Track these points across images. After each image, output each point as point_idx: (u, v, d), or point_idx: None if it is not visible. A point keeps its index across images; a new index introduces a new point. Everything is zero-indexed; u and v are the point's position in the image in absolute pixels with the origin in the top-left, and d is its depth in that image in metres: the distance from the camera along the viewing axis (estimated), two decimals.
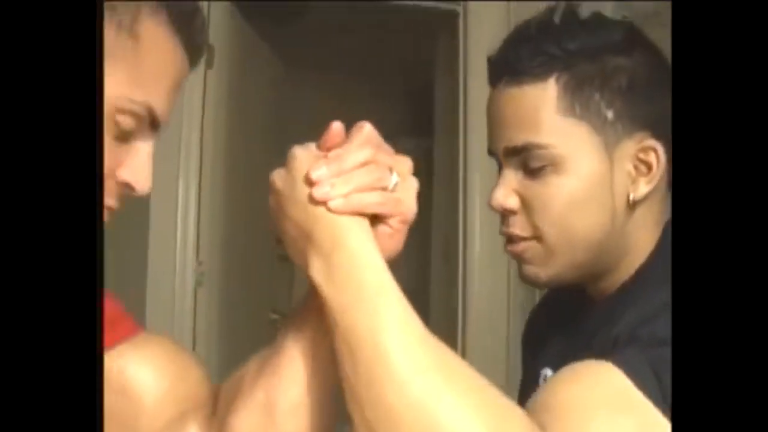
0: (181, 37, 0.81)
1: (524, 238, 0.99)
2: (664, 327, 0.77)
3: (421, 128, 4.38)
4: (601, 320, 0.93)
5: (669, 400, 0.72)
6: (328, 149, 0.80)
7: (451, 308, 3.11)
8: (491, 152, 1.02)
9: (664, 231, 0.98)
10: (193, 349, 3.02)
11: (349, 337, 0.74)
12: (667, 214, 0.99)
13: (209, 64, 3.09)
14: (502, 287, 2.92)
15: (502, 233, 1.02)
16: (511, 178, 0.99)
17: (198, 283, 3.05)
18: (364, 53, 4.63)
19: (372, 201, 0.78)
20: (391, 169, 0.80)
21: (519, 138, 0.96)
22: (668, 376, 0.72)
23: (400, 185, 0.80)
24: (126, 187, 0.83)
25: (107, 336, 0.88)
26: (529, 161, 0.96)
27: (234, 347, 3.15)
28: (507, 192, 0.99)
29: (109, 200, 0.82)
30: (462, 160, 3.03)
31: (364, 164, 0.79)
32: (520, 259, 1.01)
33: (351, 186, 0.77)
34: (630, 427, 0.73)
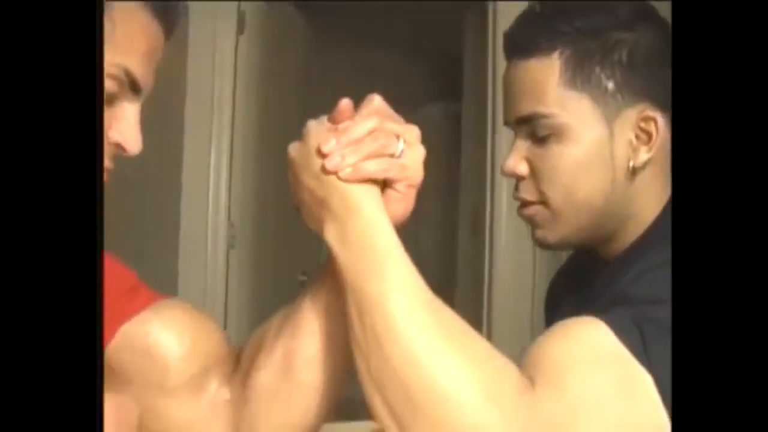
0: (152, 8, 0.85)
1: (533, 203, 1.05)
2: (652, 286, 0.82)
3: (449, 93, 4.40)
4: (607, 281, 0.98)
5: (653, 356, 0.77)
6: (338, 123, 0.86)
7: (478, 276, 3.15)
8: (506, 122, 1.09)
9: (670, 199, 1.02)
10: (225, 310, 3.09)
11: (359, 297, 0.80)
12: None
13: (240, 30, 3.13)
14: (528, 255, 2.96)
15: (514, 198, 1.08)
16: (522, 146, 1.05)
17: (230, 246, 3.11)
18: (393, 19, 4.64)
19: (378, 167, 0.84)
20: (398, 137, 0.85)
21: (526, 108, 1.03)
22: (653, 333, 0.77)
23: (406, 152, 0.86)
24: (117, 148, 0.87)
25: (130, 304, 0.96)
26: (536, 130, 1.02)
27: (265, 308, 3.21)
28: (517, 159, 1.05)
29: (105, 161, 0.86)
30: (490, 125, 3.05)
31: (371, 133, 0.84)
32: (530, 222, 1.07)
33: (359, 155, 0.83)
34: (612, 381, 0.77)
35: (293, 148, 0.87)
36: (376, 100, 0.87)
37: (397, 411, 0.78)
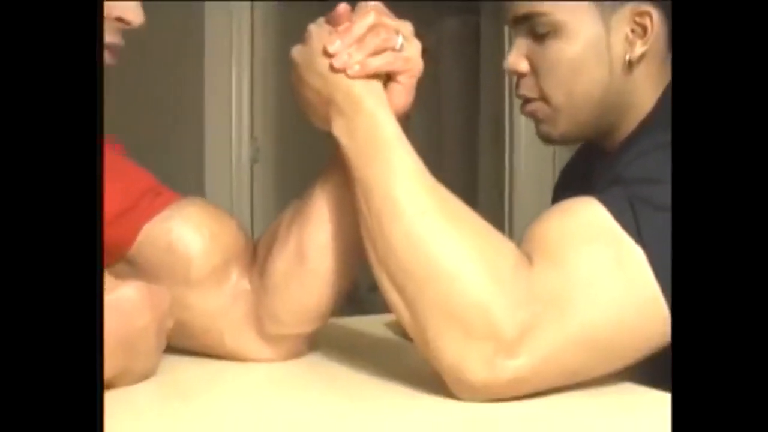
0: None
1: (534, 99, 1.09)
2: (646, 167, 0.87)
3: (466, 7, 4.38)
4: (607, 168, 1.02)
5: (645, 233, 0.81)
6: (337, 25, 0.90)
7: (499, 181, 3.20)
8: (506, 22, 1.13)
9: (666, 89, 1.06)
10: (252, 223, 3.15)
11: (365, 185, 0.86)
12: (669, 76, 1.07)
13: None
14: (548, 160, 3.00)
15: (517, 95, 1.12)
16: (522, 44, 1.08)
17: (254, 160, 3.16)
18: None
19: (384, 61, 0.89)
20: (396, 32, 0.90)
21: (524, 7, 1.06)
22: (646, 211, 0.82)
23: (405, 45, 0.91)
24: (120, 22, 0.89)
25: (151, 204, 1.01)
26: (534, 28, 1.06)
27: None
28: (518, 57, 1.09)
29: (111, 38, 0.89)
30: (508, 35, 3.06)
31: (371, 29, 0.89)
32: (533, 118, 1.11)
33: (364, 52, 0.88)
34: (607, 256, 0.82)
35: (297, 51, 0.92)
36: (371, 2, 0.91)
37: (403, 290, 0.84)
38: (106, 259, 0.99)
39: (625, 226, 0.83)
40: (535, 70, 1.08)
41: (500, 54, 3.11)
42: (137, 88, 2.60)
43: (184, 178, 2.99)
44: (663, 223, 0.79)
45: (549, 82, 1.07)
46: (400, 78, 0.91)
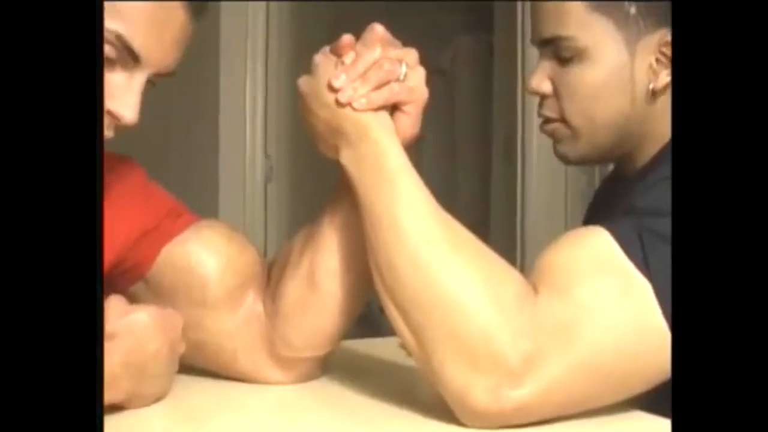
0: None
1: (554, 120, 1.10)
2: (656, 198, 0.87)
3: (481, 25, 4.39)
4: (625, 194, 1.02)
5: (652, 265, 0.82)
6: (341, 56, 0.92)
7: (511, 201, 3.19)
8: (532, 42, 1.14)
9: None
10: (265, 242, 3.16)
11: (372, 213, 0.88)
12: None
13: None
14: (560, 180, 3.00)
15: (538, 114, 1.13)
16: (546, 66, 1.10)
17: (268, 179, 3.17)
18: None
19: (388, 94, 0.90)
20: (400, 62, 0.91)
21: (550, 30, 1.07)
22: (653, 243, 0.82)
23: (409, 74, 0.92)
24: (111, 117, 0.86)
25: (173, 226, 1.04)
26: (559, 52, 1.07)
27: None
28: (541, 78, 1.10)
29: (104, 131, 0.86)
30: (520, 54, 3.07)
31: (376, 62, 0.90)
32: (552, 138, 1.12)
33: (369, 86, 0.89)
34: (613, 287, 0.83)
35: (304, 82, 0.93)
36: (377, 29, 0.92)
37: (409, 317, 0.85)
38: (126, 279, 1.01)
39: (633, 258, 0.83)
40: (557, 91, 1.09)
41: (513, 73, 3.12)
42: (151, 109, 2.63)
43: (198, 197, 3.00)
44: (670, 255, 0.78)
45: (570, 105, 1.08)
46: (406, 108, 0.92)
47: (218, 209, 3.14)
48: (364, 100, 0.89)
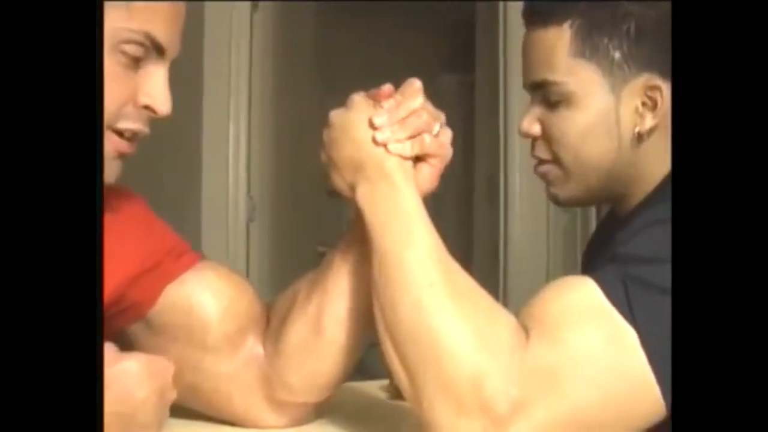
0: None
1: (547, 161, 1.13)
2: (640, 245, 0.88)
3: (462, 65, 4.42)
4: (614, 237, 1.03)
5: (638, 313, 0.83)
6: (379, 101, 0.94)
7: (493, 240, 3.20)
8: (524, 86, 1.16)
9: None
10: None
11: (381, 251, 0.89)
12: None
13: (255, 5, 3.17)
14: (542, 220, 3.01)
15: (532, 155, 1.16)
16: (536, 109, 1.13)
17: (250, 219, 3.17)
18: None
19: (422, 144, 0.93)
20: (436, 118, 0.94)
21: (538, 75, 1.10)
22: (637, 291, 0.83)
23: (441, 132, 0.94)
24: (147, 110, 0.91)
25: (175, 266, 1.04)
26: (547, 96, 1.10)
27: (285, 279, 3.27)
28: (531, 120, 1.13)
29: (137, 125, 0.91)
30: (503, 95, 3.09)
31: (415, 112, 0.93)
32: (544, 179, 1.15)
33: (407, 132, 0.92)
34: (599, 336, 0.83)
35: (336, 114, 0.95)
36: (417, 83, 0.95)
37: (405, 358, 0.86)
38: (125, 318, 1.01)
39: (618, 306, 0.84)
40: (547, 134, 1.12)
41: (495, 112, 3.14)
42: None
43: (181, 236, 2.99)
44: (654, 302, 0.81)
45: (560, 147, 1.10)
46: (431, 161, 0.94)
47: (201, 248, 3.12)
48: (399, 145, 0.91)
